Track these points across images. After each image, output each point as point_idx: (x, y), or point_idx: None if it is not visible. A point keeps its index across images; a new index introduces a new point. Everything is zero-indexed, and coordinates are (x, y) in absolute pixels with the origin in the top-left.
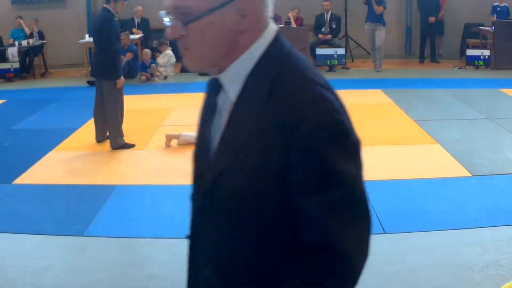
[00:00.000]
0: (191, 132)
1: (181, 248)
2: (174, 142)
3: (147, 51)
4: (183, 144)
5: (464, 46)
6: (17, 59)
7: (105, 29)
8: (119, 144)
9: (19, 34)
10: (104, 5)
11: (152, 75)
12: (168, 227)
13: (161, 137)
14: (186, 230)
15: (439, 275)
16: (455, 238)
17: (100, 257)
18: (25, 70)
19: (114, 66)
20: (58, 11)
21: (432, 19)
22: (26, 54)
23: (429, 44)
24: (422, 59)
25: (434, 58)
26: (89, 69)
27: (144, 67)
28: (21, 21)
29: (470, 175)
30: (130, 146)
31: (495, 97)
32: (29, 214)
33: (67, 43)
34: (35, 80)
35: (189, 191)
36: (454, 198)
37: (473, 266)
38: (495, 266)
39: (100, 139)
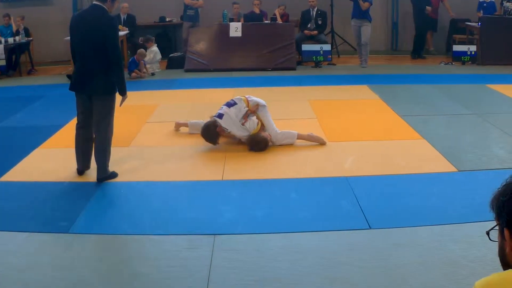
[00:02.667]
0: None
1: (167, 245)
2: (184, 129)
3: (142, 51)
4: (194, 132)
5: (450, 42)
6: (3, 56)
7: (113, 34)
8: (108, 173)
9: (6, 31)
10: (96, 2)
11: (139, 71)
12: (154, 224)
13: (147, 133)
14: (173, 226)
15: (425, 271)
16: (441, 234)
17: (86, 255)
18: (12, 67)
19: (123, 79)
20: (44, 8)
21: (429, 8)
22: (12, 52)
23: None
24: (415, 54)
25: (421, 54)
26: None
27: (136, 65)
28: (12, 18)
29: (457, 170)
30: (115, 175)
31: (481, 93)
32: (15, 212)
33: (53, 40)
34: (21, 77)
35: (175, 188)
36: (441, 194)
37: (460, 261)
38: (482, 261)
39: (86, 168)
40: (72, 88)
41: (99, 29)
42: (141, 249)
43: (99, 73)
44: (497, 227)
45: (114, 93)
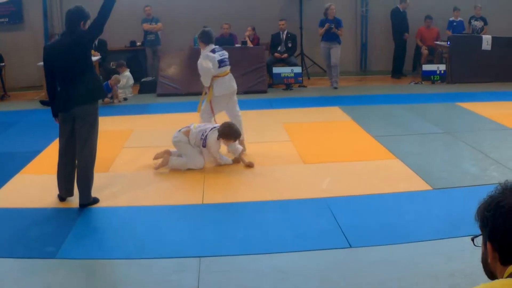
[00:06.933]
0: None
1: (154, 268)
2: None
3: (118, 77)
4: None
5: (416, 61)
6: None
7: (89, 46)
8: (91, 199)
9: None
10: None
11: (112, 97)
12: (139, 248)
13: (124, 158)
14: (158, 250)
15: (405, 286)
16: (420, 250)
17: (74, 279)
18: None
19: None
20: (16, 34)
21: (407, 35)
22: None
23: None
24: (395, 74)
25: (401, 73)
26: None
27: (109, 90)
28: None
29: (431, 188)
30: (96, 201)
31: (452, 111)
32: (0, 239)
33: (25, 65)
34: None
35: (156, 212)
36: (417, 211)
37: (439, 275)
38: (461, 275)
39: (69, 194)
40: (56, 109)
41: (80, 47)
42: (128, 273)
43: (82, 86)
44: (481, 236)
45: (96, 99)
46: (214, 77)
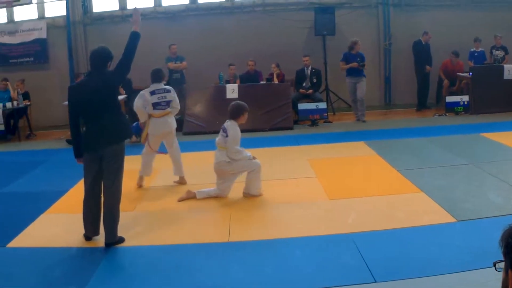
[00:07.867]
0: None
1: None
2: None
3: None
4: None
5: (439, 93)
6: (1, 121)
7: (117, 87)
8: (117, 238)
9: (3, 96)
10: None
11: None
12: (164, 287)
13: (150, 198)
14: None
15: None
16: (445, 283)
17: None
18: (10, 132)
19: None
20: (41, 73)
21: (428, 68)
22: (11, 116)
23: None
24: (420, 106)
25: (425, 105)
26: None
27: (141, 131)
28: (8, 83)
29: (455, 220)
30: (122, 240)
31: (476, 142)
32: (25, 277)
33: (51, 104)
34: (20, 142)
35: (183, 250)
36: (442, 244)
37: None
38: None
39: (95, 234)
40: (82, 149)
41: (109, 89)
42: None
43: (111, 126)
44: (503, 262)
45: (123, 138)
46: (151, 115)
